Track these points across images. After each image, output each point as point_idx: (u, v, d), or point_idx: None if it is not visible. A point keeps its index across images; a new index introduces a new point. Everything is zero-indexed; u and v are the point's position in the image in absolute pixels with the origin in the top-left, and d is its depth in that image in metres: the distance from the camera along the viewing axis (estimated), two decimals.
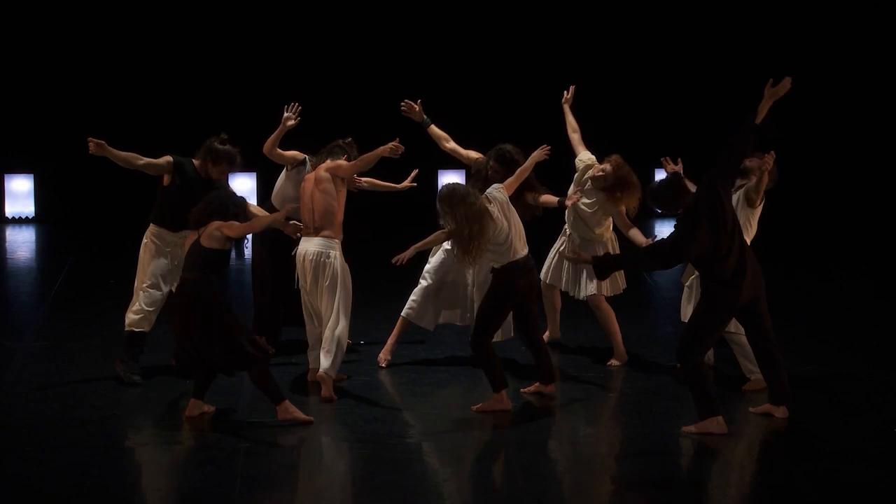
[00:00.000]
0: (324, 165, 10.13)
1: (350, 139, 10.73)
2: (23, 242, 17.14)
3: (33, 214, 18.43)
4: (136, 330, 10.10)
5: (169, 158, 10.15)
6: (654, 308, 12.39)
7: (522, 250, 9.54)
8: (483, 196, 9.47)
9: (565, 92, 11.43)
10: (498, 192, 9.63)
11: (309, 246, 9.86)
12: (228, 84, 18.41)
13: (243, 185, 18.38)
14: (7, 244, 16.99)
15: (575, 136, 11.13)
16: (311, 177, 10.12)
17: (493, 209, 9.43)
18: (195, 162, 10.20)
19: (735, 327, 9.79)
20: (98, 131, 18.17)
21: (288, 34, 18.43)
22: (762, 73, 18.64)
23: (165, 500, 7.89)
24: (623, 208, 10.65)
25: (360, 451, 8.71)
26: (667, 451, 8.80)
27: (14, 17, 18.08)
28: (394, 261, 9.59)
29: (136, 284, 10.18)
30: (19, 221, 18.37)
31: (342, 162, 10.15)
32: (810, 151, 18.67)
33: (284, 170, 10.97)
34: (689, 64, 18.60)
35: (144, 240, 10.20)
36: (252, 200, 17.91)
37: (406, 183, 11.41)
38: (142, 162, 10.05)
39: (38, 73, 18.19)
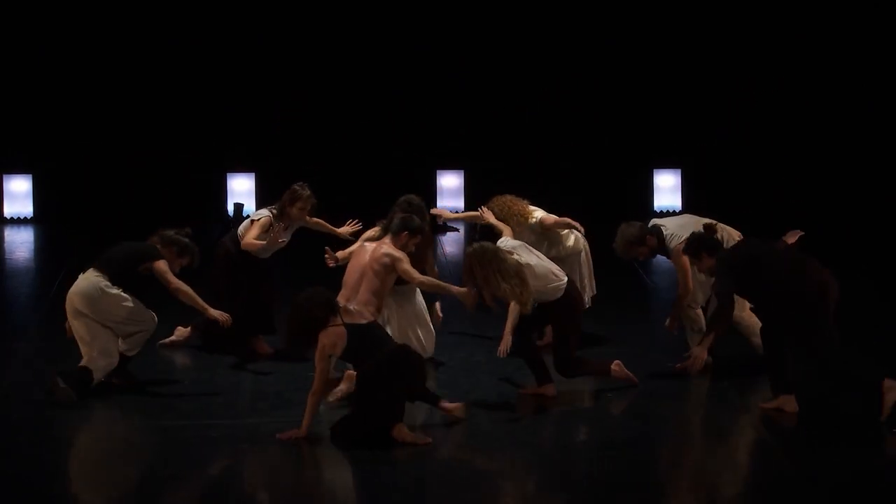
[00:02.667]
0: (387, 250, 9.86)
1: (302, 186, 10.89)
2: (21, 243, 17.13)
3: (32, 215, 18.41)
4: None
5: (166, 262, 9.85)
6: (652, 310, 12.38)
7: (563, 274, 9.79)
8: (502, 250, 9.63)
9: (438, 220, 11.72)
10: (509, 241, 9.93)
11: None
12: (228, 82, 18.39)
13: (242, 185, 18.35)
14: (6, 244, 16.98)
15: (499, 224, 10.98)
16: (363, 253, 9.96)
17: (519, 257, 9.60)
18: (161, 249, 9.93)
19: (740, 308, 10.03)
20: (97, 131, 18.21)
21: (288, 34, 18.41)
22: (757, 72, 18.66)
23: (165, 497, 7.88)
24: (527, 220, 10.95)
25: (358, 451, 8.71)
26: (666, 453, 8.81)
27: (13, 16, 18.05)
28: (500, 353, 9.53)
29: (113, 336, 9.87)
30: (18, 222, 18.35)
31: (406, 266, 9.85)
32: (809, 152, 18.66)
33: (258, 226, 10.77)
34: (686, 63, 18.59)
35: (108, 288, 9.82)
36: (251, 201, 17.94)
37: (346, 230, 11.33)
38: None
39: (36, 72, 18.17)
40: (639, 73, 18.58)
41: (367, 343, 8.74)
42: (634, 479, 8.25)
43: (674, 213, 18.39)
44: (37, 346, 11.43)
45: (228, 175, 18.37)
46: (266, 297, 11.01)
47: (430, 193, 18.45)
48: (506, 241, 9.97)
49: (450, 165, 18.58)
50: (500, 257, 9.44)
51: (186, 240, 10.01)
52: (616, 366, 10.03)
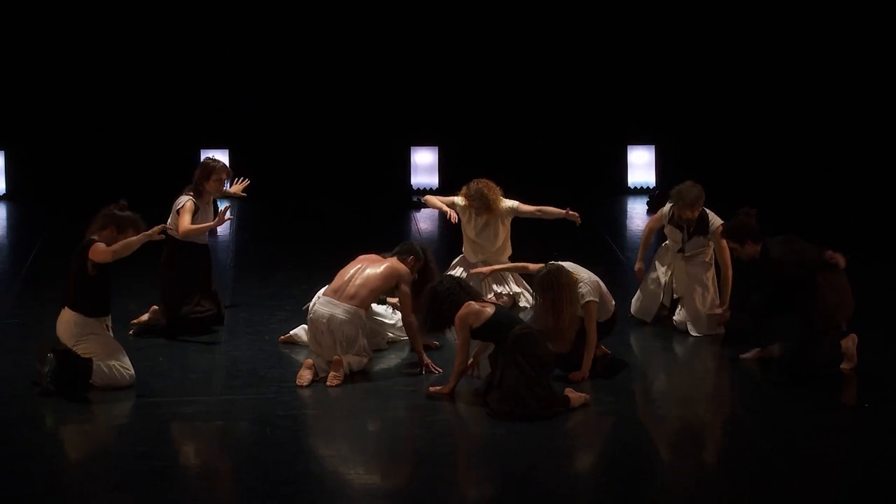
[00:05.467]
0: (402, 271, 9.92)
1: None
2: None
3: (4, 191, 18.32)
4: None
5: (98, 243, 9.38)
6: (626, 284, 12.38)
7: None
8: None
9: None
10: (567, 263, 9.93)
11: (336, 311, 9.71)
12: (202, 59, 18.32)
13: None
14: None
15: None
16: (375, 259, 10.00)
17: (590, 293, 9.75)
18: (94, 237, 9.43)
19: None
20: (70, 107, 18.12)
21: (261, 11, 18.35)
22: (733, 48, 18.65)
23: (138, 474, 7.88)
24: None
25: (326, 425, 8.74)
26: (640, 428, 8.85)
27: None
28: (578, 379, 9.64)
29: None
30: None
31: (408, 289, 9.93)
32: (784, 129, 18.71)
33: (185, 212, 10.77)
34: (661, 38, 18.60)
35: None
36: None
37: (237, 188, 11.55)
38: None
39: (8, 48, 18.07)
40: (613, 49, 18.57)
41: (504, 324, 8.99)
42: (607, 456, 8.29)
43: (648, 190, 18.45)
44: (9, 324, 11.41)
45: (202, 151, 18.30)
46: (205, 266, 11.01)
47: (404, 170, 18.44)
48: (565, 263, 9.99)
49: (424, 142, 18.56)
50: (573, 282, 9.50)
51: (123, 213, 9.51)
52: (598, 349, 10.18)
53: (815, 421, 8.85)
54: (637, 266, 11.38)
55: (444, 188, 18.11)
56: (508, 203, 11.49)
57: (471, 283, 9.66)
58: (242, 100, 18.37)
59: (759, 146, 18.65)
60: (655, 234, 11.39)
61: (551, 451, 8.39)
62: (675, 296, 11.05)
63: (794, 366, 9.58)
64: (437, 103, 18.49)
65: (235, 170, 11.53)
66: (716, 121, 18.64)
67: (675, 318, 11.02)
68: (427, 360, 9.84)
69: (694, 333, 10.85)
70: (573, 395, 9.01)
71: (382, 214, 16.62)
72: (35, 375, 9.36)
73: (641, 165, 18.77)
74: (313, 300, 10.00)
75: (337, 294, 9.76)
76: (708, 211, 10.92)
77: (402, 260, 10.07)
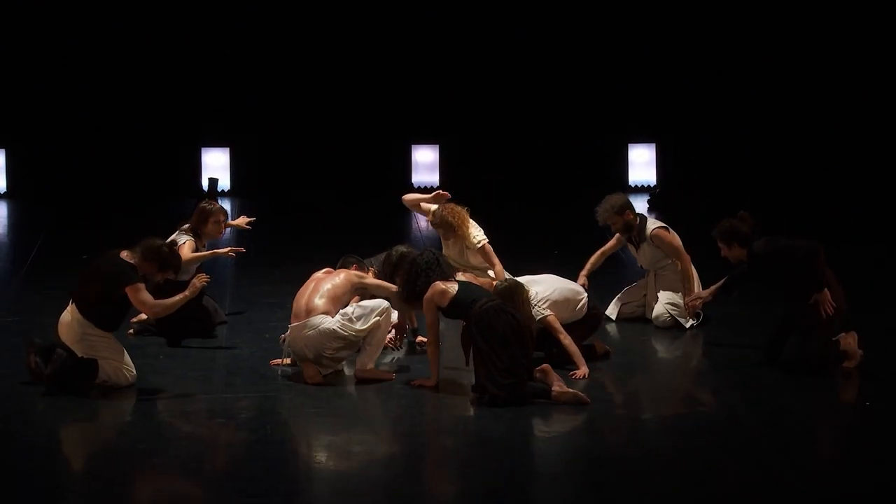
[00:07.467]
0: (355, 275, 9.92)
1: None
2: None
3: (5, 189, 18.34)
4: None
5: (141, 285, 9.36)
6: (624, 281, 12.37)
7: (581, 290, 10.23)
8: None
9: None
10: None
11: (305, 331, 9.59)
12: (203, 57, 18.33)
13: (216, 160, 18.29)
14: None
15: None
16: (318, 278, 9.94)
17: (545, 296, 9.86)
18: (132, 260, 9.37)
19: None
20: (71, 105, 18.13)
21: (262, 8, 18.36)
22: (733, 47, 18.67)
23: (138, 472, 7.88)
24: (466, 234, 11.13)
25: (326, 422, 8.76)
26: (637, 425, 8.85)
27: None
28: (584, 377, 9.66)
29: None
30: None
31: (371, 280, 9.96)
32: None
33: (184, 248, 10.76)
34: (662, 37, 18.61)
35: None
36: (225, 175, 17.91)
37: (241, 221, 11.85)
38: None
39: (9, 47, 18.08)
40: (614, 48, 18.58)
41: (470, 299, 9.10)
42: (605, 454, 8.29)
43: (648, 188, 18.48)
44: (9, 322, 11.41)
45: (203, 149, 18.32)
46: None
47: (405, 168, 18.46)
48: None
49: (424, 140, 18.57)
50: (529, 299, 9.55)
51: (170, 252, 9.50)
52: (598, 346, 10.27)
53: (815, 420, 8.86)
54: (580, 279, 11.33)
55: (445, 186, 18.07)
56: (475, 239, 11.06)
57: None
58: (242, 98, 18.38)
59: (758, 145, 18.67)
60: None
61: (547, 448, 8.40)
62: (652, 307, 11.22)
63: (792, 363, 9.60)
64: (438, 101, 18.50)
65: (236, 168, 11.56)
66: (716, 120, 18.66)
67: (653, 313, 11.10)
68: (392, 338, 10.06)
69: (680, 319, 10.93)
70: (563, 390, 8.97)
71: (383, 212, 16.63)
72: (28, 374, 9.33)
73: (642, 163, 18.80)
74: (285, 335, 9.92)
75: (298, 318, 9.71)
76: (648, 218, 11.12)
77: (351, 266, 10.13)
